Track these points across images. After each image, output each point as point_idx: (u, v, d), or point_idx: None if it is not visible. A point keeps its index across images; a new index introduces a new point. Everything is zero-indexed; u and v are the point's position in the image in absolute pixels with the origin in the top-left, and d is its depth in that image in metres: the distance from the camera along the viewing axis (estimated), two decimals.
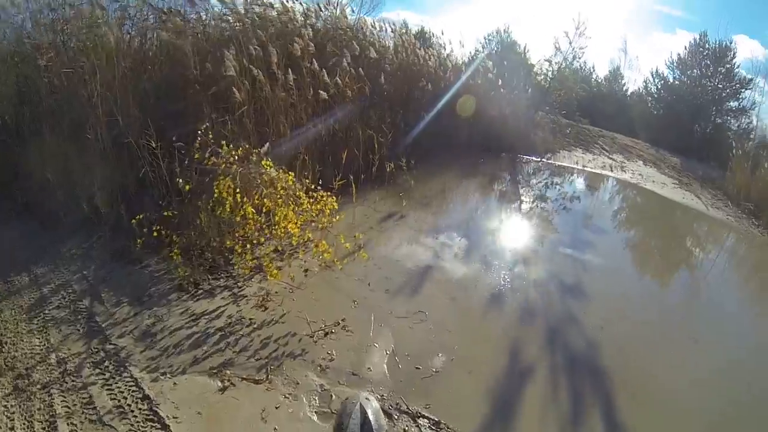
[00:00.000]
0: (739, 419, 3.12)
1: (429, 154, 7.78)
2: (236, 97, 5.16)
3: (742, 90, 14.38)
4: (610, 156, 11.49)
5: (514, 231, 6.08)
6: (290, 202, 4.37)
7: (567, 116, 13.10)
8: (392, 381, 3.09)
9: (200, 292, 3.87)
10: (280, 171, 4.59)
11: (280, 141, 5.54)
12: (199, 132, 4.43)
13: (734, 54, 14.46)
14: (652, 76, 16.92)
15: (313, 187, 4.71)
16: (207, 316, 3.57)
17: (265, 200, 4.26)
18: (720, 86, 14.28)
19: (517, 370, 3.33)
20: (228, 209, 3.98)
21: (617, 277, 5.18)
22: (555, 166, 9.63)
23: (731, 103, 14.51)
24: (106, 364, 3.04)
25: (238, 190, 4.05)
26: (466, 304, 4.13)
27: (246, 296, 3.87)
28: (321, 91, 6.04)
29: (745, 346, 4.11)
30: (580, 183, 8.95)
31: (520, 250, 5.37)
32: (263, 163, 4.52)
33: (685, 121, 14.65)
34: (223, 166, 4.22)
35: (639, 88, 18.14)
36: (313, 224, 4.72)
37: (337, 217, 4.76)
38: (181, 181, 4.27)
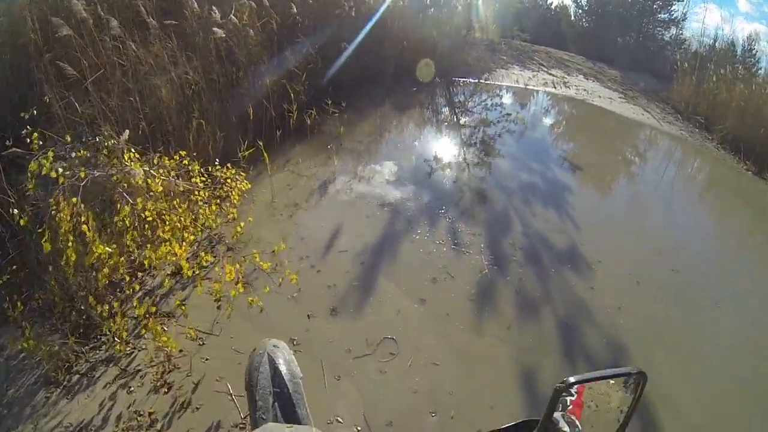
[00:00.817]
0: None
1: (356, 91, 6.13)
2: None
3: (673, 2, 13.79)
4: (549, 71, 10.45)
5: (474, 172, 4.81)
6: (176, 213, 2.68)
7: (502, 33, 11.74)
8: None
9: (75, 378, 2.27)
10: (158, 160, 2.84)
11: (160, 113, 3.65)
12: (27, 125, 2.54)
13: None
14: None
15: (212, 168, 3.17)
16: (87, 426, 2.04)
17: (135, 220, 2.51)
18: None
19: None
20: (71, 255, 2.21)
21: (585, 201, 4.82)
22: (494, 87, 8.37)
23: (661, 15, 13.89)
24: None
25: (84, 218, 2.27)
26: (444, 308, 2.87)
27: (140, 370, 2.32)
28: (216, 29, 4.07)
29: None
30: (524, 103, 7.81)
31: (486, 193, 4.45)
32: (126, 158, 2.72)
33: (615, 32, 13.94)
34: (61, 180, 2.36)
35: (563, 1, 16.97)
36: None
37: (251, 205, 3.19)
38: (16, 211, 2.37)
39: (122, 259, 2.39)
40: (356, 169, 4.35)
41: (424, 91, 7.34)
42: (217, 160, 3.47)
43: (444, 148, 5.21)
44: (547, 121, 7.23)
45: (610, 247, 3.85)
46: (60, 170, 2.32)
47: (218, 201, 3.20)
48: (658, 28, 13.92)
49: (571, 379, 0.65)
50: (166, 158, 2.93)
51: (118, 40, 3.65)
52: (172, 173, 2.87)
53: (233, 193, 3.19)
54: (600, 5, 14.72)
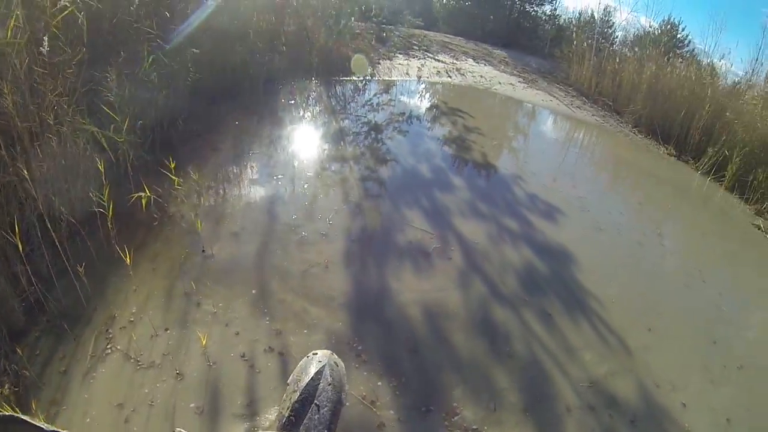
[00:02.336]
0: None
1: (209, 125, 3.79)
2: None
3: None
4: (436, 58, 9.01)
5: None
6: None
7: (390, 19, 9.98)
8: None
9: None
10: None
11: None
12: None
13: None
14: None
15: None
16: None
17: None
18: None
19: None
20: None
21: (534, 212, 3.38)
22: (383, 83, 6.58)
23: None
24: None
25: None
26: None
27: None
28: None
29: None
30: (424, 100, 6.14)
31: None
32: None
33: (488, 10, 13.15)
34: None
35: None
36: None
37: None
38: None
39: None
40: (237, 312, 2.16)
41: (293, 106, 5.20)
42: None
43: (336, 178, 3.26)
44: (456, 120, 5.60)
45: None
46: None
47: None
48: (532, 5, 13.46)
49: None
50: None
51: None
52: None
53: None
54: None
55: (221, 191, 2.84)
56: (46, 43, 2.16)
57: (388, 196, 3.13)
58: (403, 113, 5.13)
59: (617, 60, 7.83)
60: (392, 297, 2.21)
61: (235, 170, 3.14)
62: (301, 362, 1.29)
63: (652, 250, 3.39)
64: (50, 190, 2.01)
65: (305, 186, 3.05)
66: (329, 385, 1.20)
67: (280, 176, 3.13)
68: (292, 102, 4.88)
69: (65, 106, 2.24)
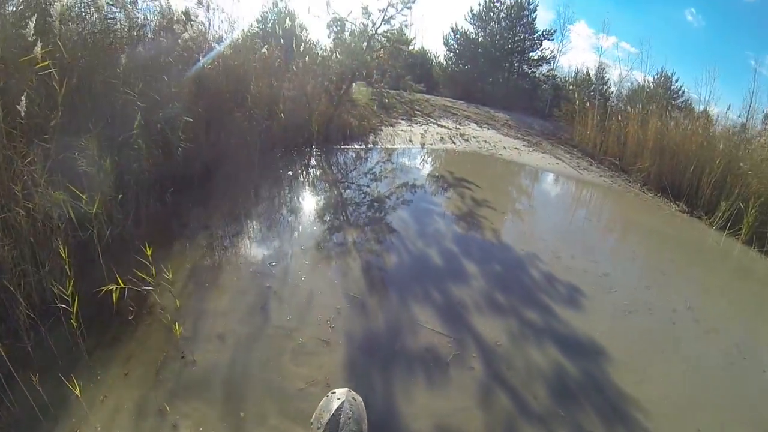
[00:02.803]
0: None
1: (190, 190, 3.72)
2: None
3: (543, 40, 14.07)
4: (439, 123, 9.15)
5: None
6: None
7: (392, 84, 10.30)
8: None
9: None
10: None
11: None
12: None
13: (534, 7, 13.93)
14: (453, 31, 15.50)
15: None
16: None
17: None
18: (521, 37, 13.63)
19: None
20: None
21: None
22: (386, 152, 6.57)
23: (532, 54, 14.01)
24: None
25: None
26: None
27: None
28: None
29: None
30: (427, 168, 6.08)
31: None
32: None
33: (487, 73, 13.62)
34: None
35: (429, 53, 16.57)
36: None
37: None
38: None
39: None
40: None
41: (301, 172, 5.16)
42: None
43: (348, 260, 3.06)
44: (464, 192, 5.44)
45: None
46: None
47: None
48: (530, 67, 13.92)
49: None
50: None
51: None
52: None
53: None
54: (471, 46, 14.43)
55: (207, 282, 2.64)
56: (24, 103, 2.03)
57: (397, 290, 2.88)
58: (408, 185, 5.03)
59: (620, 117, 7.85)
60: (405, 424, 1.93)
61: (224, 256, 2.95)
62: (321, 402, 1.37)
63: (687, 330, 3.08)
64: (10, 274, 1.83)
65: (302, 278, 2.84)
66: (350, 419, 1.26)
67: (273, 263, 2.93)
68: (290, 173, 4.82)
69: (35, 176, 2.11)
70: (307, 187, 4.62)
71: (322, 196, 4.41)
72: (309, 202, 4.26)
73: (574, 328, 2.80)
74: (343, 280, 2.90)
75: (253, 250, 3.12)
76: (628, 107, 8.36)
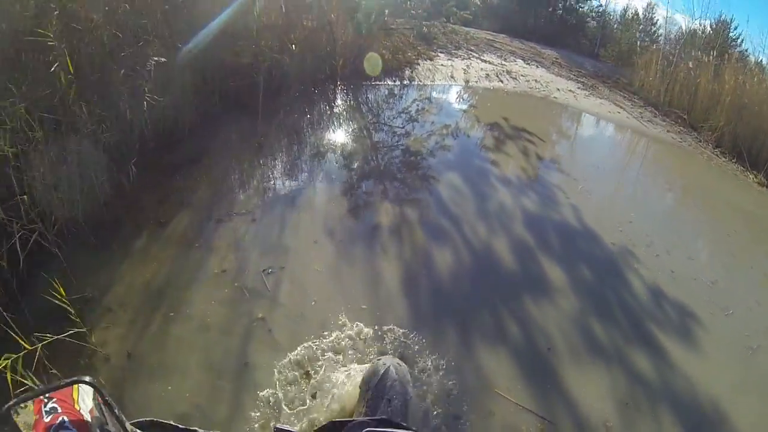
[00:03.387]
0: None
1: (184, 143, 3.07)
2: None
3: None
4: (482, 58, 8.16)
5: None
6: None
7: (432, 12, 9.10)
8: None
9: None
10: None
11: None
12: None
13: None
14: None
15: None
16: None
17: None
18: None
19: None
20: None
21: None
22: (424, 89, 5.75)
23: None
24: None
25: None
26: None
27: None
28: None
29: None
30: (477, 112, 5.23)
31: None
32: None
33: (530, 6, 12.19)
34: None
35: None
36: None
37: None
38: None
39: None
40: None
41: (319, 118, 4.34)
42: None
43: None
44: (527, 149, 4.53)
45: None
46: None
47: None
48: (577, 1, 12.49)
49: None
50: None
51: None
52: None
53: None
54: None
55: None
56: None
57: (461, 344, 2.05)
58: (454, 134, 4.32)
59: (690, 65, 6.90)
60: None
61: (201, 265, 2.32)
62: (368, 368, 1.37)
63: None
64: None
65: (314, 302, 2.09)
66: (395, 381, 1.28)
67: (270, 270, 2.20)
68: (308, 117, 4.09)
69: None
70: (325, 138, 3.76)
71: (345, 151, 3.54)
72: (325, 160, 3.38)
73: (692, 382, 2.15)
74: (372, 303, 2.25)
75: (254, 250, 2.50)
76: (692, 53, 7.35)
